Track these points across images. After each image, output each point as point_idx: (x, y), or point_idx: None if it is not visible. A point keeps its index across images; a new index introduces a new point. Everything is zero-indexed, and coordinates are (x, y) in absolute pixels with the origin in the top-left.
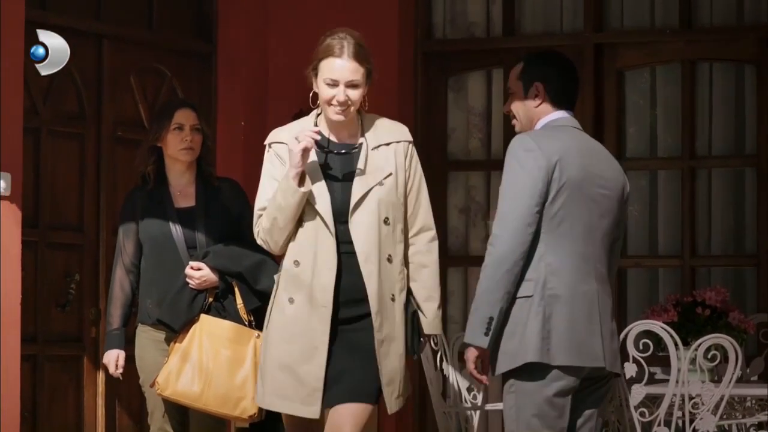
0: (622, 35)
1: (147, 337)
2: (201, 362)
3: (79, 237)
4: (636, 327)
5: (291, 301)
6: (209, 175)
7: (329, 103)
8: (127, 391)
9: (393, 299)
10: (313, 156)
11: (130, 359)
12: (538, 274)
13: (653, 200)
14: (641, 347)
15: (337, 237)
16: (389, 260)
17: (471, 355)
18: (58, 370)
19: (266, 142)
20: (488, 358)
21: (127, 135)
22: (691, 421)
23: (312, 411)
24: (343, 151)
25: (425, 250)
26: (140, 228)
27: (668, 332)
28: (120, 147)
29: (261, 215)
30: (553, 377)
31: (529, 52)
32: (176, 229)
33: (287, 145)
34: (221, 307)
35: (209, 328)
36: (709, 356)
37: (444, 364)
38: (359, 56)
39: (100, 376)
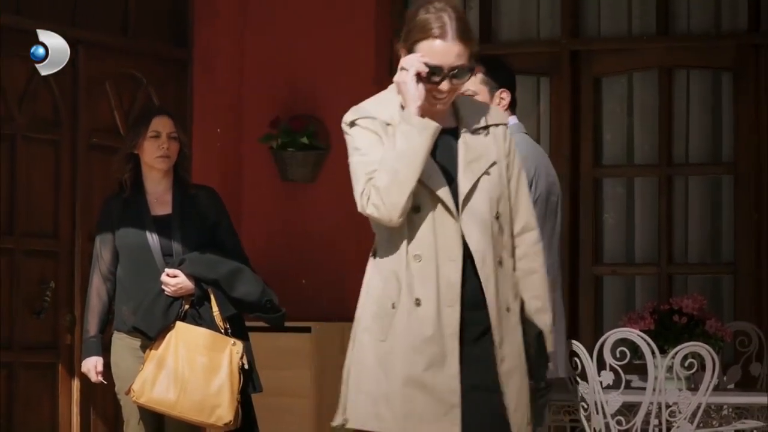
0: (599, 42)
1: (123, 344)
2: (176, 370)
3: (55, 244)
4: (613, 335)
5: (418, 302)
6: (186, 183)
7: (429, 92)
8: (103, 398)
9: (509, 310)
10: None
11: (106, 366)
12: None
13: (630, 207)
14: (618, 355)
15: None
16: (501, 263)
17: None
18: (33, 377)
19: (346, 121)
20: None
21: (102, 142)
22: (668, 430)
23: None
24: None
25: (532, 252)
26: (116, 236)
27: (645, 340)
28: (96, 154)
29: (371, 177)
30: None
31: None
32: (152, 237)
33: (375, 120)
34: (197, 315)
35: (185, 336)
36: (686, 364)
37: None
38: (465, 35)
39: (76, 384)
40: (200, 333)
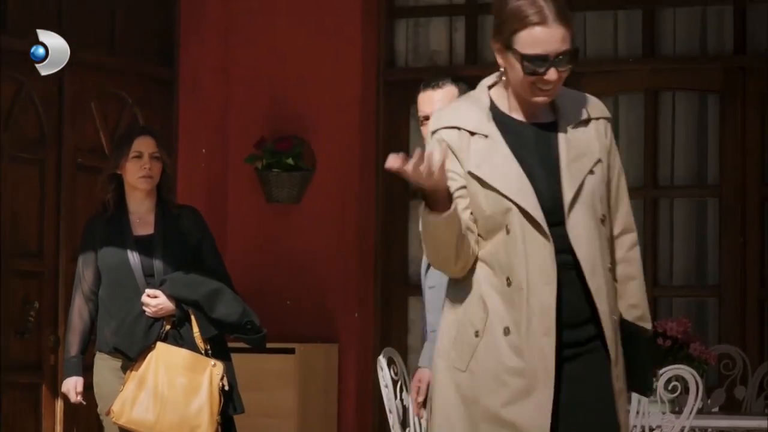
0: (585, 64)
1: (104, 365)
2: (157, 390)
3: (39, 264)
4: None
5: (507, 331)
6: (169, 203)
7: (533, 84)
8: (86, 419)
9: (617, 322)
10: (497, 137)
11: (89, 387)
12: None
13: None
14: None
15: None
16: (611, 270)
17: (425, 377)
18: (17, 397)
19: (430, 129)
20: None
21: (87, 161)
22: None
23: None
24: (533, 131)
25: (631, 257)
26: (99, 256)
27: None
28: (81, 173)
29: None
30: None
31: (451, 75)
32: (134, 257)
33: (460, 131)
34: (178, 335)
35: (165, 357)
36: (669, 387)
37: (404, 394)
38: (565, 17)
39: (59, 404)
40: (181, 354)
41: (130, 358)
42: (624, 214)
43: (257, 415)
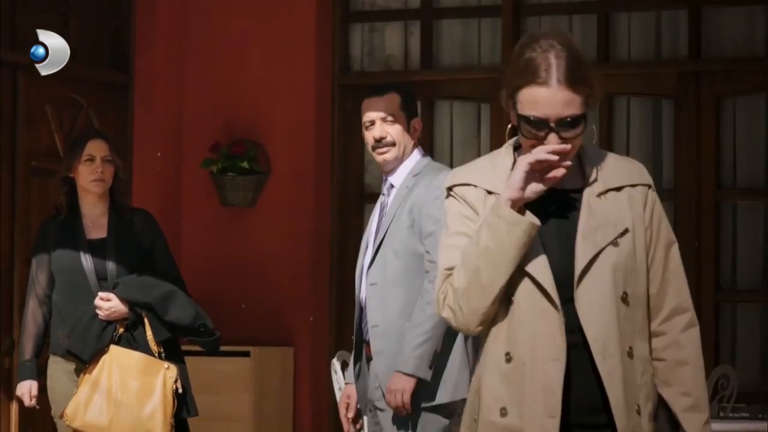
0: None
1: (58, 368)
2: (110, 393)
3: None
4: None
5: (504, 412)
6: (122, 207)
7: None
8: (41, 422)
9: (639, 412)
10: None
11: (42, 390)
12: None
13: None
14: None
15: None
16: (630, 355)
17: (410, 386)
18: None
19: (445, 185)
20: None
21: (42, 165)
22: None
23: None
24: (556, 198)
25: (685, 340)
26: (52, 259)
27: None
28: (35, 178)
29: (449, 274)
30: None
31: (396, 83)
32: (87, 260)
33: (477, 188)
34: (131, 338)
35: (119, 359)
36: None
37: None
38: (575, 80)
39: (14, 408)
40: (134, 357)
41: (84, 361)
42: (675, 291)
43: (212, 418)
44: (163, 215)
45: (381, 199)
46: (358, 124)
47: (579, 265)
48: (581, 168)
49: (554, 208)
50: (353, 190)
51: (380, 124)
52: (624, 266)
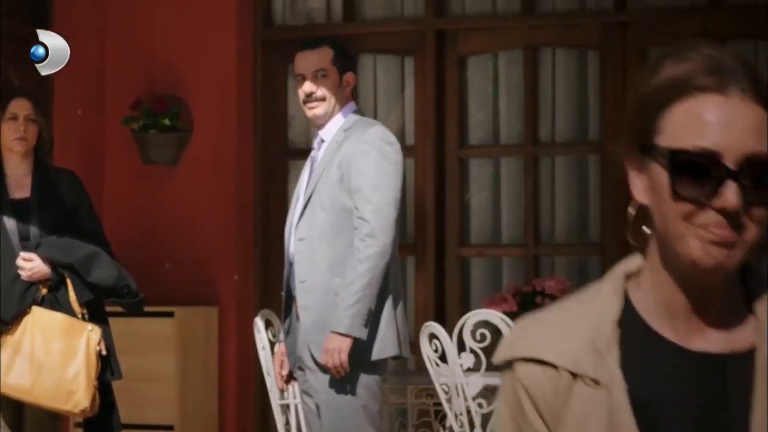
0: (463, 21)
1: None
2: (33, 355)
3: None
4: (473, 316)
5: None
6: (46, 166)
7: (691, 223)
8: None
9: None
10: (617, 383)
11: None
12: None
13: (496, 188)
14: (478, 337)
15: None
16: None
17: (347, 345)
18: None
19: (499, 358)
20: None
21: None
22: None
23: None
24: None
25: None
26: None
27: (506, 322)
28: None
29: None
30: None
31: (329, 37)
32: (9, 221)
33: (557, 371)
34: (54, 299)
35: (41, 321)
36: None
37: None
38: (760, 94)
39: None
40: (57, 318)
41: (6, 322)
42: None
43: (136, 379)
44: (84, 174)
45: (312, 153)
46: (280, 78)
47: None
48: (743, 299)
49: (690, 384)
50: (277, 146)
51: (311, 79)
52: None
